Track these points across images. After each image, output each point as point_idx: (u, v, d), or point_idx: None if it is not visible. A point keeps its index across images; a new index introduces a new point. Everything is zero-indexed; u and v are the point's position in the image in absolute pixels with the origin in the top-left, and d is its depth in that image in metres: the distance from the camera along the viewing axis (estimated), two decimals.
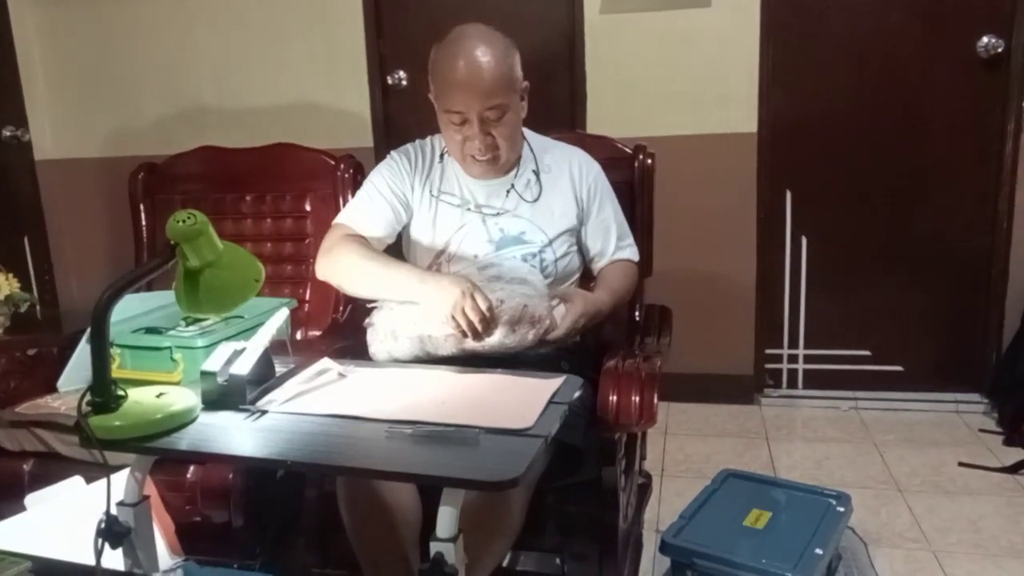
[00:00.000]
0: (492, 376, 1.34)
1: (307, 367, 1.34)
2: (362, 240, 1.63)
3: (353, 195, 2.09)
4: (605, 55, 2.78)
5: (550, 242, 1.65)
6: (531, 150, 1.71)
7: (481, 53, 1.52)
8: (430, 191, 1.68)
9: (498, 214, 1.65)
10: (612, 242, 1.73)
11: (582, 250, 1.75)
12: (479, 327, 1.40)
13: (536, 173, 1.69)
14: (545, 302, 1.51)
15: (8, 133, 3.07)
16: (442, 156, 1.71)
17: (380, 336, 1.54)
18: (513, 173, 1.67)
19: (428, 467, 1.03)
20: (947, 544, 2.03)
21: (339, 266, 1.59)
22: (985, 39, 2.61)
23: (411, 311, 1.49)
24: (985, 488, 2.30)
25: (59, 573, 1.07)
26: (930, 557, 1.98)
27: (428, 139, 1.75)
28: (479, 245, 1.64)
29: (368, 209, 1.66)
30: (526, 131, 1.71)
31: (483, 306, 1.40)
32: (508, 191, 1.66)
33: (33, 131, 3.14)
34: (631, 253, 1.77)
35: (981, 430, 2.66)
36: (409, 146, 1.75)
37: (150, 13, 3.03)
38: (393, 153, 1.74)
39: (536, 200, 1.67)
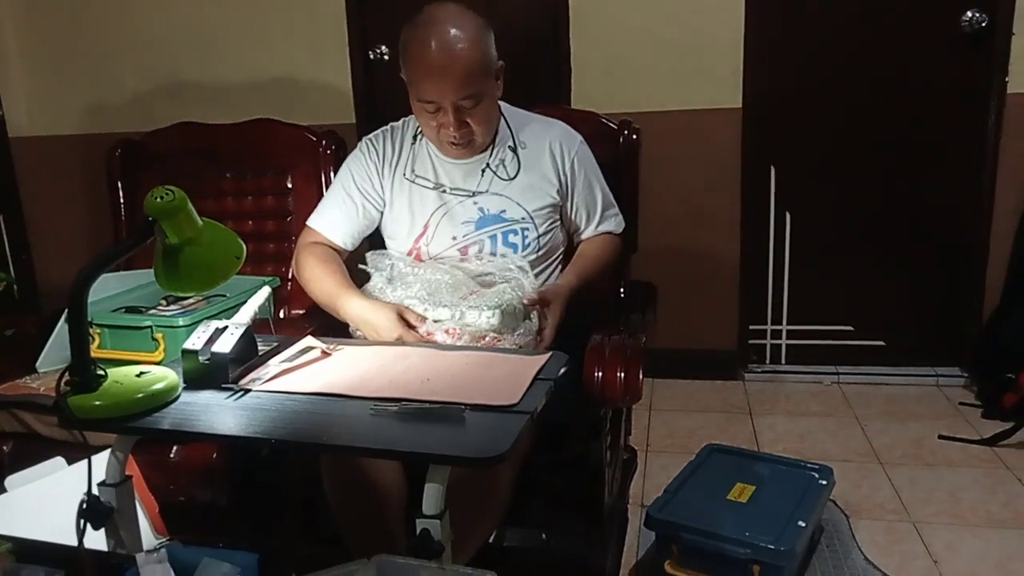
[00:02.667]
0: (477, 353, 1.34)
1: (290, 345, 1.33)
2: (322, 253, 1.66)
3: (336, 172, 2.09)
4: (590, 30, 2.76)
5: (532, 219, 1.64)
6: (508, 126, 1.67)
7: (454, 39, 1.47)
8: (403, 174, 1.66)
9: (475, 194, 1.64)
10: (597, 213, 1.72)
11: (566, 224, 1.73)
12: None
13: (513, 149, 1.66)
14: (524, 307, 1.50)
15: None
16: (415, 138, 1.68)
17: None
18: (488, 152, 1.65)
19: (414, 444, 1.02)
20: (927, 515, 2.06)
21: (302, 278, 1.66)
22: (969, 13, 2.61)
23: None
24: (964, 460, 2.33)
25: (41, 554, 1.06)
26: (910, 528, 2.01)
27: (402, 121, 1.72)
28: (457, 227, 1.63)
29: (336, 215, 1.69)
30: (504, 105, 1.68)
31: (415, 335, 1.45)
32: (483, 170, 1.64)
33: (7, 107, 3.08)
34: (615, 224, 1.75)
35: (961, 403, 2.69)
36: (381, 132, 1.72)
37: None
38: (363, 144, 1.71)
39: (514, 177, 1.65)
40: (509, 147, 1.66)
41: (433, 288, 1.49)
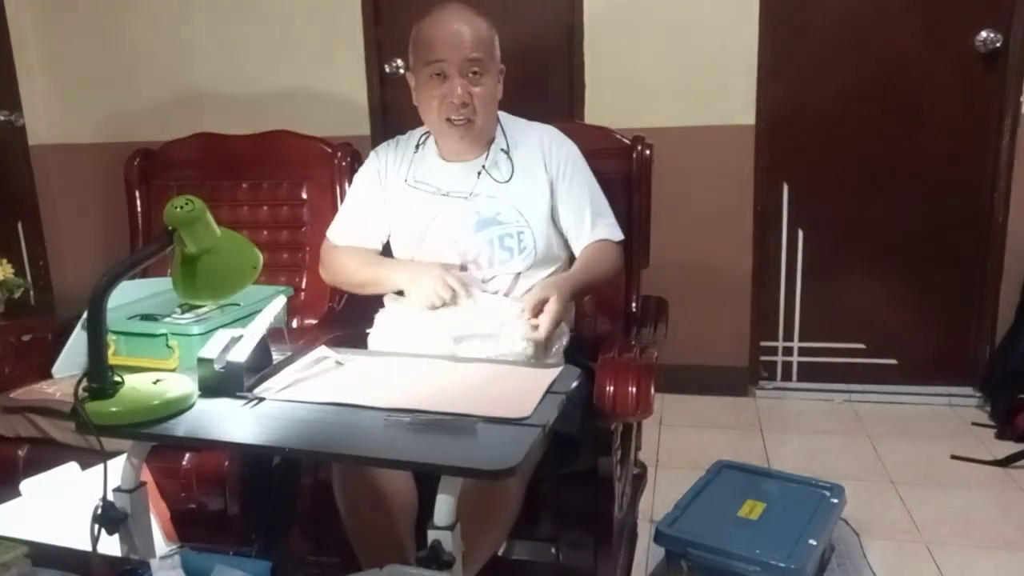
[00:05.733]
0: (490, 366, 1.34)
1: (304, 355, 1.33)
2: (351, 249, 1.74)
3: (350, 184, 2.12)
4: (604, 45, 2.77)
5: (527, 222, 1.64)
6: (503, 131, 1.71)
7: (461, 10, 1.60)
8: (405, 180, 1.70)
9: (470, 197, 1.65)
10: (587, 220, 1.68)
11: (561, 230, 1.72)
12: (449, 301, 1.52)
13: (506, 152, 1.69)
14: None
15: (2, 117, 3.04)
16: (417, 147, 1.73)
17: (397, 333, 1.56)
18: (484, 155, 1.67)
19: (426, 455, 1.03)
20: (939, 536, 2.04)
21: (338, 277, 1.76)
22: (984, 33, 2.61)
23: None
24: (977, 481, 2.32)
25: (55, 558, 1.07)
26: (922, 548, 1.99)
27: (408, 133, 1.78)
28: (454, 230, 1.64)
29: (351, 224, 1.75)
30: (500, 113, 1.71)
31: (454, 284, 1.53)
32: (479, 173, 1.66)
33: (28, 116, 3.12)
34: (610, 232, 1.71)
35: (974, 423, 2.67)
36: (386, 144, 1.78)
37: None
38: (370, 155, 1.78)
39: (509, 180, 1.66)
40: (502, 150, 1.69)
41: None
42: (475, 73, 1.58)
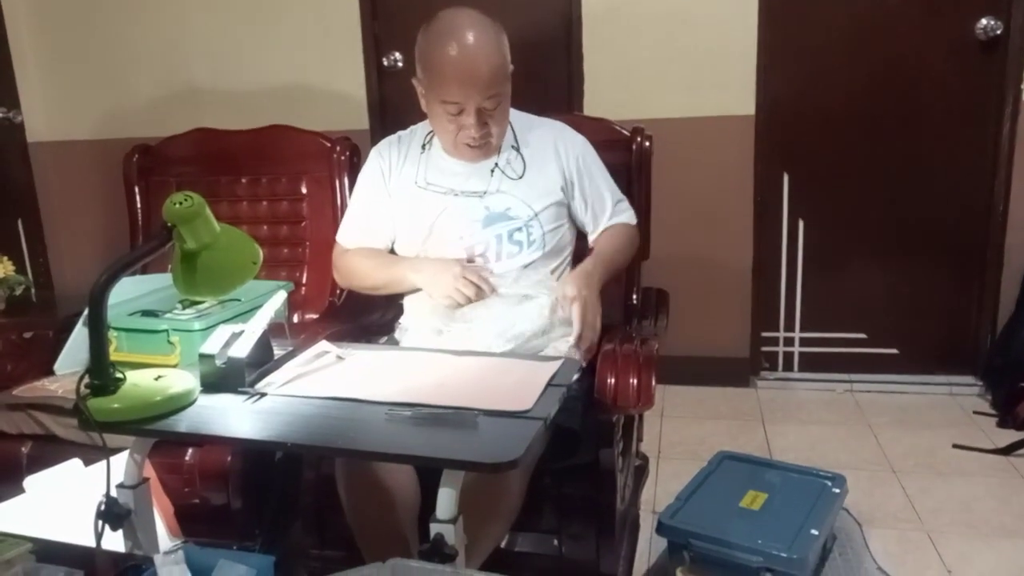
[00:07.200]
0: (491, 359, 1.34)
1: (305, 350, 1.34)
2: (364, 251, 1.73)
3: (349, 178, 2.13)
4: (603, 37, 2.77)
5: (536, 216, 1.65)
6: (512, 128, 1.70)
7: (476, 44, 1.51)
8: (415, 182, 1.69)
9: (483, 195, 1.65)
10: (608, 208, 1.73)
11: (576, 223, 1.74)
12: (474, 297, 1.54)
13: (516, 149, 1.69)
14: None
15: (1, 115, 3.04)
16: (424, 146, 1.72)
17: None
18: (496, 154, 1.67)
19: (428, 449, 1.03)
20: (940, 524, 2.05)
21: (353, 280, 1.76)
22: (984, 21, 2.60)
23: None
24: (978, 469, 2.32)
25: (59, 555, 1.07)
26: (923, 537, 1.99)
27: (409, 129, 1.77)
28: (464, 225, 1.64)
29: (360, 227, 1.75)
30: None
31: (476, 280, 1.54)
32: (492, 170, 1.66)
33: (26, 112, 3.12)
34: (628, 216, 1.77)
35: (975, 412, 2.68)
36: (387, 141, 1.76)
37: None
38: (372, 153, 1.76)
39: (521, 176, 1.67)
40: (512, 147, 1.69)
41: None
42: (493, 101, 1.55)
